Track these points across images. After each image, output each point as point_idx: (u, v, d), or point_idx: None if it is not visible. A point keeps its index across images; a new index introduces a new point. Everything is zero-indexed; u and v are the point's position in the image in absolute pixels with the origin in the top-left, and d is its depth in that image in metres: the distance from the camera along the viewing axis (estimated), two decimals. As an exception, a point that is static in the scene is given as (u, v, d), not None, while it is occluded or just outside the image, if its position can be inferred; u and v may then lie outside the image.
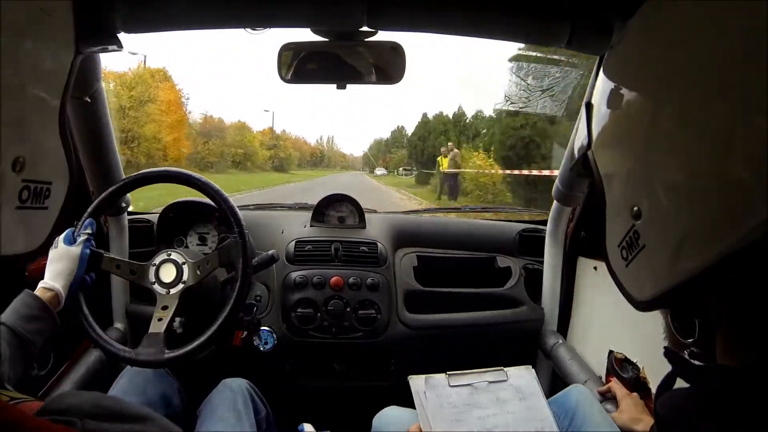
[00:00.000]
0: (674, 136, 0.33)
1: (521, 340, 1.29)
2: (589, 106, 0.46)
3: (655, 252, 0.35)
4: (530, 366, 0.89)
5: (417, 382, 0.83)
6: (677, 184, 0.32)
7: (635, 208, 0.36)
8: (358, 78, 0.90)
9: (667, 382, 0.40)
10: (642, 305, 0.37)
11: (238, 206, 0.93)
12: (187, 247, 1.27)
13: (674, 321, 0.37)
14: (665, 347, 0.39)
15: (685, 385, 0.38)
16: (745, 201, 0.28)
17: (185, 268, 0.89)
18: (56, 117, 0.41)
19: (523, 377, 0.87)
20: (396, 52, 0.87)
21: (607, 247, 0.42)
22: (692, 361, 0.36)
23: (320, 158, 58.71)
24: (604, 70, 0.43)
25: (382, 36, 0.83)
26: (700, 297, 0.34)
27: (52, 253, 0.81)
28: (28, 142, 0.37)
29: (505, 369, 0.87)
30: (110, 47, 0.51)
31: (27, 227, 0.38)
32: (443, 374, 0.84)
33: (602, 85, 0.43)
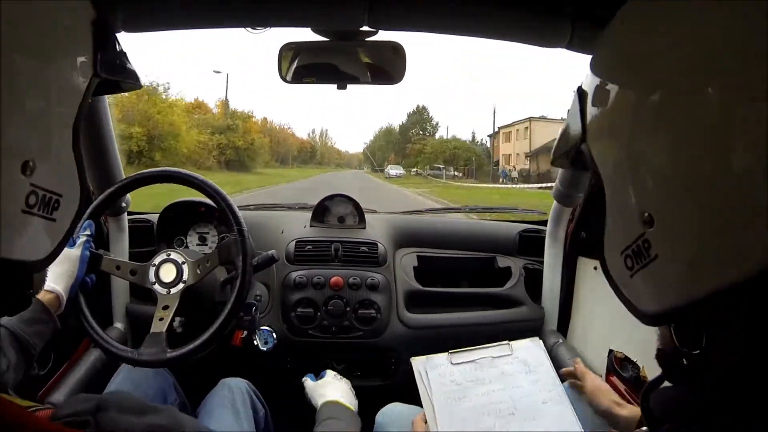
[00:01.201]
0: (694, 136, 0.30)
1: (521, 340, 1.29)
2: (582, 93, 0.41)
3: (670, 265, 0.32)
4: (537, 338, 0.87)
5: (418, 363, 0.83)
6: (701, 191, 0.29)
7: (646, 214, 0.32)
8: (359, 78, 0.91)
9: (656, 383, 0.39)
10: (648, 319, 0.35)
11: (237, 206, 0.93)
12: (187, 247, 1.27)
13: (678, 334, 0.35)
14: (658, 350, 0.38)
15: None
16: None
17: (185, 267, 0.89)
18: (70, 132, 0.41)
19: (528, 349, 0.85)
20: (397, 51, 0.88)
21: (607, 251, 0.38)
22: (684, 361, 0.34)
23: (310, 154, 49.64)
24: (594, 66, 0.40)
25: (383, 36, 0.83)
26: (715, 313, 0.31)
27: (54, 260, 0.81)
28: (41, 150, 0.37)
29: (511, 342, 0.85)
30: (125, 75, 0.52)
31: (31, 234, 0.38)
32: (445, 353, 0.83)
33: (596, 78, 0.40)
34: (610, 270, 0.38)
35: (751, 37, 0.27)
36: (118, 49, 0.48)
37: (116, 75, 0.49)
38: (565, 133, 0.44)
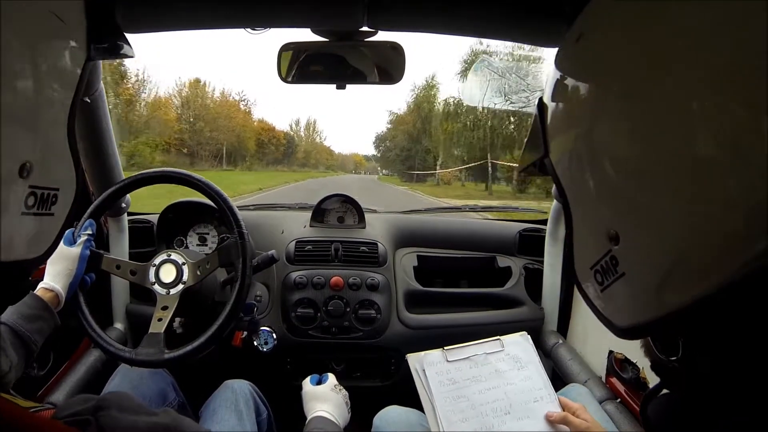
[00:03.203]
0: (655, 153, 0.29)
1: (521, 340, 1.28)
2: (542, 106, 0.40)
3: (637, 282, 0.32)
4: (525, 332, 0.88)
5: (414, 360, 0.83)
6: (665, 209, 0.29)
7: (612, 231, 0.32)
8: (359, 78, 0.90)
9: (655, 391, 0.39)
10: (621, 332, 0.34)
11: (237, 206, 0.93)
12: (187, 247, 1.27)
13: (655, 340, 0.35)
14: (652, 361, 0.37)
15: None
16: (743, 226, 0.24)
17: (185, 268, 0.89)
18: (65, 124, 0.40)
19: (519, 344, 0.86)
20: (396, 51, 0.88)
21: (577, 266, 0.38)
22: (676, 371, 0.34)
23: (285, 150, 33.45)
24: (559, 66, 0.39)
25: (382, 36, 0.83)
26: (686, 324, 0.31)
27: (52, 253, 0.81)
28: (37, 148, 0.36)
29: (501, 338, 0.86)
30: (121, 52, 0.50)
31: (32, 233, 0.38)
32: (440, 350, 0.84)
33: (557, 73, 0.38)
34: (582, 284, 0.38)
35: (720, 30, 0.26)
36: (112, 27, 0.47)
37: (111, 55, 0.48)
38: (528, 147, 0.44)
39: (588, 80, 0.36)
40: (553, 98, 0.39)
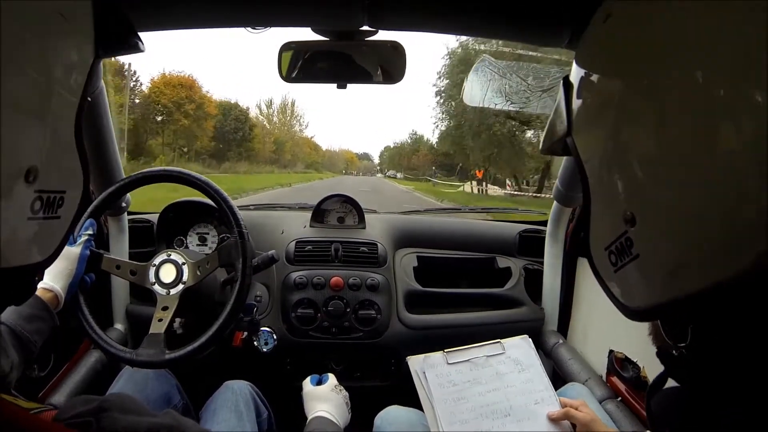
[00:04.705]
0: (678, 136, 0.29)
1: (521, 340, 1.28)
2: (567, 84, 0.40)
3: (651, 264, 0.32)
4: (526, 335, 0.88)
5: (415, 363, 0.82)
6: (682, 194, 0.29)
7: (628, 213, 0.32)
8: (359, 77, 0.90)
9: (659, 382, 0.39)
10: (632, 314, 0.34)
11: (238, 206, 0.93)
12: (187, 247, 1.27)
13: (665, 325, 0.35)
14: (658, 348, 0.37)
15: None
16: (760, 218, 0.24)
17: (185, 268, 0.89)
18: (72, 124, 0.39)
19: (520, 347, 0.86)
20: (396, 51, 0.88)
21: (592, 246, 0.38)
22: (681, 358, 0.34)
23: (225, 134, 20.59)
24: (585, 45, 0.39)
25: (383, 35, 0.83)
26: (698, 310, 0.31)
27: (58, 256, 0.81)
28: (43, 152, 0.36)
29: (502, 341, 0.86)
30: (130, 50, 0.49)
31: (38, 238, 0.37)
32: (440, 352, 0.83)
33: (581, 71, 0.39)
34: (595, 265, 0.38)
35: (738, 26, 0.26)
36: (120, 21, 0.46)
37: (119, 52, 0.47)
38: (551, 125, 0.44)
39: (614, 61, 0.36)
40: (579, 77, 0.39)
